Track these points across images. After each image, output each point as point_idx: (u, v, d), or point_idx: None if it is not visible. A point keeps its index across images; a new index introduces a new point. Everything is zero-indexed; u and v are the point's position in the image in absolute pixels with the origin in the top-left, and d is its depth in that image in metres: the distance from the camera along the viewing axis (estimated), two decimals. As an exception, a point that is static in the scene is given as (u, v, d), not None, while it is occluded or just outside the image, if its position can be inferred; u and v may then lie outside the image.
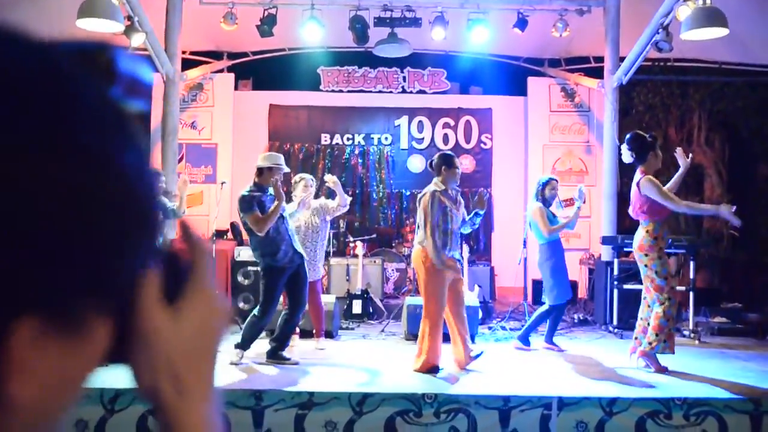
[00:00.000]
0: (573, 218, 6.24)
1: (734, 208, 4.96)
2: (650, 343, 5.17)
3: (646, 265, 5.22)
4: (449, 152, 5.45)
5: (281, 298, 5.61)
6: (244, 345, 5.29)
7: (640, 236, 5.26)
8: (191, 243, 0.57)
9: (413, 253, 5.35)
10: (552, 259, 6.13)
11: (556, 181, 6.39)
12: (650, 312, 5.25)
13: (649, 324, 5.22)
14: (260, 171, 5.36)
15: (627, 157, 5.36)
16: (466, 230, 5.57)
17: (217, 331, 0.57)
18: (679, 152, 5.36)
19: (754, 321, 7.59)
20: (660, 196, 5.08)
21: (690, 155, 5.60)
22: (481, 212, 5.45)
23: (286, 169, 5.44)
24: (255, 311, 5.31)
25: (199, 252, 0.56)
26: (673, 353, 5.21)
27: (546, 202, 6.25)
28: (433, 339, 5.10)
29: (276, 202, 5.13)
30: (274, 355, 5.31)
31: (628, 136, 5.43)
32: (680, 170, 5.36)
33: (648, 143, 5.25)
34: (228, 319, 0.58)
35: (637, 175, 5.28)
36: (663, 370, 5.16)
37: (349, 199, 6.36)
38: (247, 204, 5.18)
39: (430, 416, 4.19)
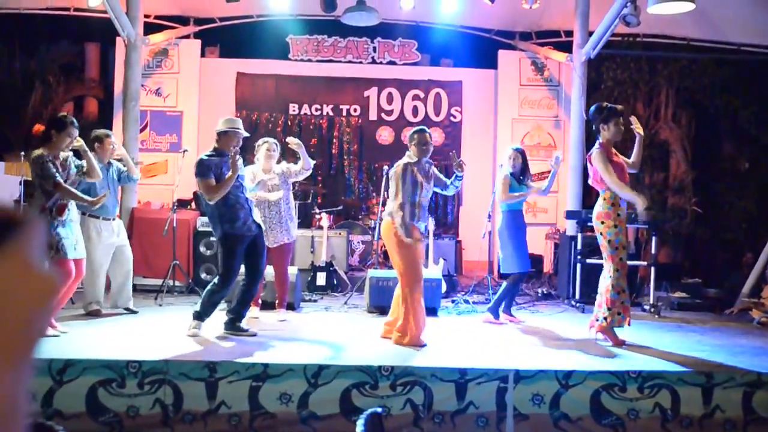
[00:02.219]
0: (545, 185, 6.22)
1: (644, 208, 5.06)
2: (605, 318, 5.21)
3: (601, 233, 5.24)
4: (423, 126, 5.38)
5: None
6: (201, 316, 5.20)
7: (599, 204, 5.29)
8: (6, 212, 0.50)
9: (383, 225, 5.28)
10: (509, 228, 6.11)
11: (517, 151, 6.30)
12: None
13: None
14: (219, 135, 5.21)
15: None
16: (451, 192, 5.59)
17: (28, 303, 0.50)
18: (633, 121, 5.34)
19: (712, 296, 7.71)
20: (603, 169, 5.11)
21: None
22: (461, 174, 5.41)
23: (245, 134, 5.27)
24: (214, 281, 5.21)
25: (16, 219, 0.50)
26: (629, 325, 5.25)
27: (514, 174, 6.20)
28: (417, 312, 5.04)
29: (230, 173, 5.00)
30: (232, 326, 5.23)
31: (593, 106, 5.43)
32: (637, 140, 5.32)
33: (606, 115, 5.24)
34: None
35: (594, 147, 5.29)
36: (621, 343, 5.20)
37: (313, 162, 6.25)
38: (202, 169, 5.05)
39: (386, 388, 4.16)
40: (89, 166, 5.33)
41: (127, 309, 6.14)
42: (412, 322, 5.03)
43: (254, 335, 5.19)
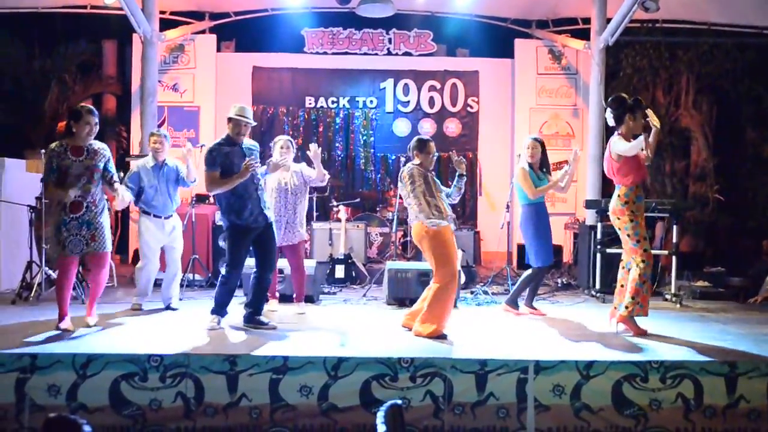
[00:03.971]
0: (561, 180, 6.11)
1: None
2: (626, 307, 5.17)
3: (619, 228, 5.26)
4: (425, 137, 5.41)
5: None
6: (218, 310, 5.23)
7: (613, 199, 5.28)
8: None
9: (413, 231, 5.27)
10: (532, 222, 6.04)
11: (535, 141, 6.18)
12: (625, 275, 5.25)
13: (623, 287, 5.22)
14: (228, 121, 5.21)
15: (610, 120, 5.30)
16: (456, 197, 5.55)
17: None
18: (649, 114, 5.25)
19: (736, 285, 7.61)
20: (629, 141, 5.08)
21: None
22: (464, 174, 5.42)
23: (251, 122, 5.23)
24: (222, 273, 5.25)
25: None
26: (646, 315, 5.20)
27: (533, 166, 6.13)
28: (445, 306, 5.06)
29: (238, 175, 5.03)
30: (251, 320, 5.26)
31: (613, 96, 5.37)
32: (652, 133, 5.15)
33: (626, 106, 5.17)
34: None
35: (613, 137, 5.24)
36: (643, 332, 5.16)
37: (328, 176, 6.25)
38: (209, 159, 5.08)
39: (406, 380, 4.16)
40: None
41: (168, 307, 6.19)
42: (441, 315, 5.04)
43: (274, 328, 5.21)
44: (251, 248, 5.33)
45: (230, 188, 5.07)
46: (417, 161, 5.30)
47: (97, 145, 5.10)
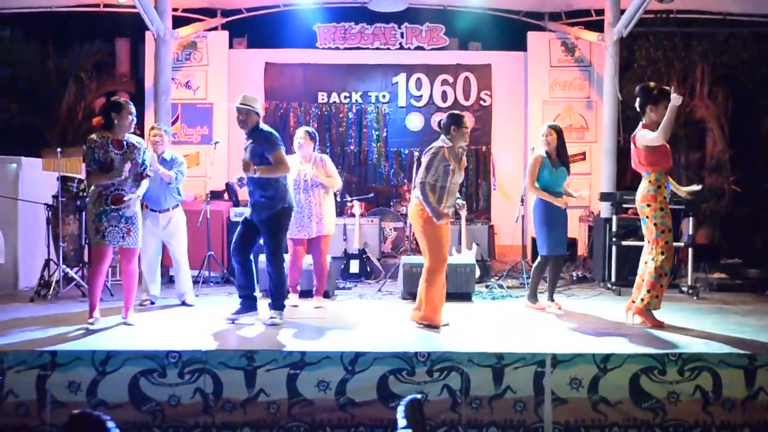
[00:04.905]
0: (572, 197, 6.05)
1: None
2: (642, 300, 5.15)
3: (647, 216, 5.17)
4: (458, 112, 5.33)
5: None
6: (277, 303, 5.33)
7: (643, 186, 5.20)
8: None
9: (410, 207, 5.31)
10: (541, 210, 5.96)
11: (551, 128, 6.06)
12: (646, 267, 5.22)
13: (643, 280, 5.19)
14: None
15: (637, 107, 5.27)
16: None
17: None
18: (673, 88, 5.14)
19: (753, 277, 7.54)
20: (644, 143, 5.05)
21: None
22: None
23: (234, 106, 5.41)
24: (272, 263, 5.28)
25: None
26: (659, 308, 5.18)
27: (549, 154, 6.04)
28: (431, 292, 5.10)
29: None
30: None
31: (642, 85, 5.33)
32: (669, 107, 4.89)
33: (657, 95, 5.13)
34: None
35: (638, 128, 5.20)
36: (659, 324, 5.14)
37: (340, 185, 6.47)
38: (276, 141, 5.28)
39: (423, 374, 4.17)
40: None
41: (183, 303, 6.23)
42: (429, 300, 5.09)
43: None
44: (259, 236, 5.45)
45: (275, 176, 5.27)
46: (449, 142, 5.18)
47: (134, 139, 5.20)
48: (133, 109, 5.15)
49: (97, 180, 5.01)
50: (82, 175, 7.00)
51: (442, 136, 5.22)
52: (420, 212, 5.12)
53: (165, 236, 6.21)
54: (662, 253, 5.08)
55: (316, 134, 6.28)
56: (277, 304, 5.31)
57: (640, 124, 5.22)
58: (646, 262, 5.25)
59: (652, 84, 5.32)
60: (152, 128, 6.37)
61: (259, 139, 5.27)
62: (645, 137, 5.07)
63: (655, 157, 5.10)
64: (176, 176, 6.13)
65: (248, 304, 5.48)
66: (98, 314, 5.11)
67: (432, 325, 5.10)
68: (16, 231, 7.16)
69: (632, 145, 5.27)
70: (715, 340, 4.71)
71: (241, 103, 5.32)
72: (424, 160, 5.16)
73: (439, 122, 5.33)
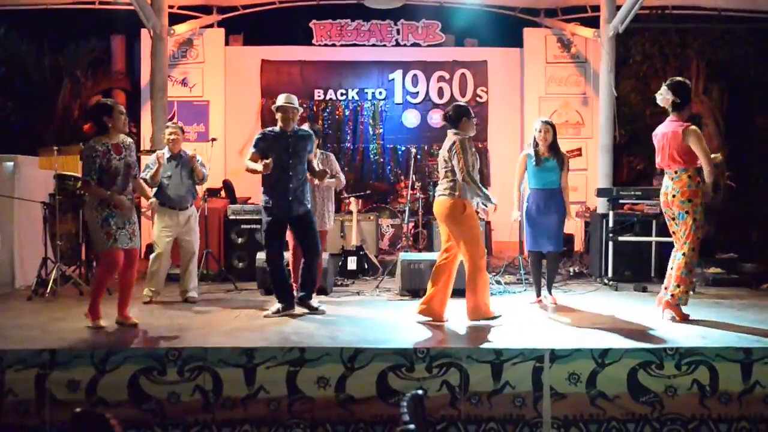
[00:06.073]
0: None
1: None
2: (673, 295, 5.21)
3: (687, 212, 5.18)
4: (464, 103, 5.36)
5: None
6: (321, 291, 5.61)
7: (683, 182, 5.18)
8: None
9: (439, 204, 5.24)
10: (525, 205, 6.19)
11: (544, 123, 6.14)
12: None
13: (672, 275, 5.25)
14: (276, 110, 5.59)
15: (664, 99, 5.26)
16: None
17: None
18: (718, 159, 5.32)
19: (749, 271, 7.58)
20: (701, 149, 5.07)
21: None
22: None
23: (298, 109, 5.61)
24: (309, 259, 5.53)
25: None
26: (686, 305, 5.25)
27: (537, 151, 6.09)
28: (486, 288, 5.17)
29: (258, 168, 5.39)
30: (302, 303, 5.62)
31: (674, 80, 5.32)
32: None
33: (689, 93, 5.19)
34: None
35: (672, 124, 5.21)
36: (686, 317, 5.21)
37: (343, 183, 6.71)
38: (255, 141, 5.49)
39: (422, 371, 4.18)
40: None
41: (186, 299, 6.24)
42: (481, 297, 5.12)
43: (323, 312, 5.57)
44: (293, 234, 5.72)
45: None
46: (462, 132, 5.22)
47: (128, 140, 5.12)
48: (122, 108, 5.04)
49: (95, 193, 4.88)
50: (79, 173, 6.99)
51: (452, 130, 5.24)
52: (451, 209, 5.13)
53: (184, 233, 6.23)
54: (693, 249, 5.15)
55: (320, 130, 6.33)
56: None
57: (673, 116, 5.24)
58: (676, 257, 5.28)
59: (688, 81, 5.34)
60: (168, 126, 6.38)
61: (304, 137, 5.53)
62: (700, 138, 5.09)
63: (694, 154, 5.14)
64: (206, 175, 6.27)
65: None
66: (104, 320, 5.02)
67: (487, 318, 5.13)
68: (13, 229, 7.15)
69: (664, 141, 5.24)
70: (712, 334, 4.74)
71: (288, 103, 5.48)
72: (451, 155, 5.13)
73: (446, 115, 5.34)
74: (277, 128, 5.52)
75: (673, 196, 5.23)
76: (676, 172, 5.22)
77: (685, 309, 5.26)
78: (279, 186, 5.40)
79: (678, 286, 5.18)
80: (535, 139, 6.14)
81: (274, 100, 5.69)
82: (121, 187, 4.99)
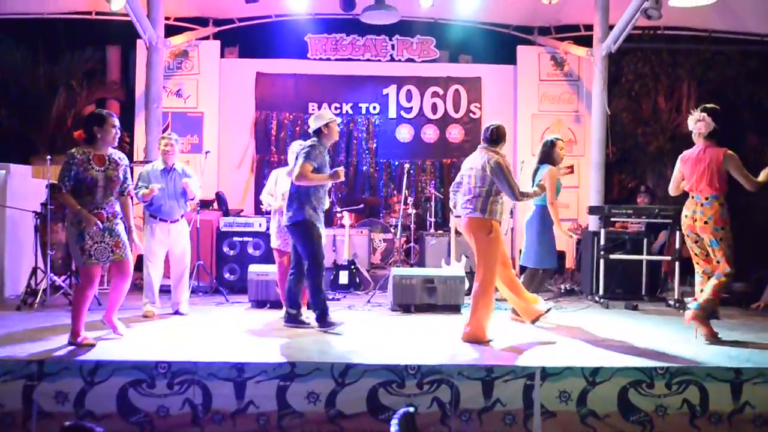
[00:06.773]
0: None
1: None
2: (703, 309, 5.24)
3: (721, 239, 5.25)
4: (496, 123, 5.49)
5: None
6: (323, 315, 5.52)
7: (715, 210, 5.27)
8: None
9: (473, 221, 5.25)
10: (543, 223, 6.33)
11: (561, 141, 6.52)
12: (705, 279, 5.36)
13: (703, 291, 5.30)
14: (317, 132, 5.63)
15: (705, 125, 5.33)
16: None
17: None
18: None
19: (739, 291, 7.61)
20: (742, 175, 5.21)
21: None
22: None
23: (336, 119, 5.75)
24: (307, 274, 5.50)
25: None
26: (718, 318, 5.38)
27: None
28: (488, 311, 5.17)
29: (331, 175, 5.47)
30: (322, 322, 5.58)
31: (711, 107, 5.41)
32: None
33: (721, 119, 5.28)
34: None
35: (709, 150, 5.30)
36: (714, 335, 5.25)
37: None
38: (309, 153, 5.44)
39: (413, 387, 4.18)
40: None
41: (176, 312, 6.20)
42: (479, 316, 5.14)
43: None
44: (294, 246, 5.64)
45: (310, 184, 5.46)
46: (501, 152, 5.38)
47: (117, 155, 4.96)
48: (116, 121, 4.89)
49: (64, 201, 4.73)
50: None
51: (490, 148, 5.37)
52: (480, 228, 5.19)
53: (175, 246, 6.20)
54: (730, 273, 5.23)
55: None
56: (319, 317, 5.63)
57: (707, 142, 5.34)
58: (709, 278, 5.33)
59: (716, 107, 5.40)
60: (162, 138, 6.34)
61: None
62: (739, 163, 5.21)
63: (726, 181, 5.25)
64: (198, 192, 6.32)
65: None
66: (89, 338, 4.82)
67: (480, 342, 5.10)
68: (3, 238, 7.11)
69: (702, 167, 5.30)
70: (702, 354, 4.75)
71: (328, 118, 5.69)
72: (494, 175, 5.21)
73: (487, 135, 5.47)
74: (317, 141, 5.59)
75: (705, 222, 5.28)
76: (707, 198, 5.29)
77: (679, 327, 5.28)
78: (325, 198, 5.65)
79: (711, 299, 5.23)
80: (553, 155, 6.52)
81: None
82: (100, 201, 4.80)
